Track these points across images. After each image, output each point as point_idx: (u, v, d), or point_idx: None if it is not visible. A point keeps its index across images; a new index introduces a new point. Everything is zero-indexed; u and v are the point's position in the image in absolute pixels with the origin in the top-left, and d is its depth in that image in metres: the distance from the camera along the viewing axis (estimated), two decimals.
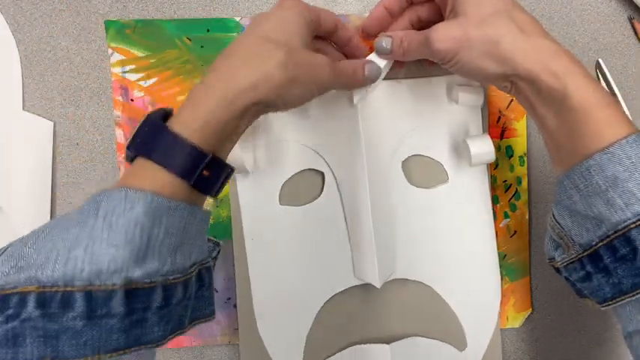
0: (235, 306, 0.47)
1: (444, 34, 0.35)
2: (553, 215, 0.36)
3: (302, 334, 0.46)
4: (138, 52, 0.46)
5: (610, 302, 0.33)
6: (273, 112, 0.35)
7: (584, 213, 0.33)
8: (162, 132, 0.30)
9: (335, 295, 0.46)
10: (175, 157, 0.29)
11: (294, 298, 0.46)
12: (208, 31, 0.46)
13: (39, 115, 0.46)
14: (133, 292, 0.27)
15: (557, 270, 0.39)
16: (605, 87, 0.49)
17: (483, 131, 0.47)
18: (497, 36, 0.33)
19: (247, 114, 0.32)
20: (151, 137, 0.30)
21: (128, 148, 0.31)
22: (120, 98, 0.46)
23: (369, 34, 0.43)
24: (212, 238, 0.39)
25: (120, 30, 0.46)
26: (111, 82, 0.46)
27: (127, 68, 0.46)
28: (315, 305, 0.46)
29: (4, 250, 0.28)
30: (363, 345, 0.46)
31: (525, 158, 0.49)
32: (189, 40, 0.46)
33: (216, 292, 0.47)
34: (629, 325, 0.33)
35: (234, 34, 0.46)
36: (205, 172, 0.30)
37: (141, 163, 0.30)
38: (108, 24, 0.46)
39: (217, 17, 0.46)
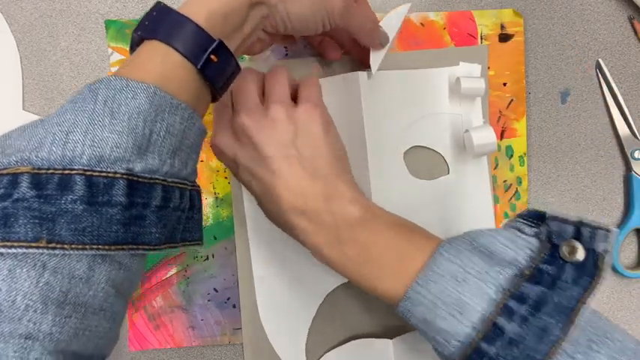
0: (235, 306, 0.47)
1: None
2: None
3: (305, 324, 0.46)
4: None
5: None
6: (280, 28, 0.35)
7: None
8: (171, 14, 0.29)
9: (338, 286, 0.46)
10: (184, 36, 0.29)
11: (297, 289, 0.46)
12: None
13: (39, 115, 0.46)
14: (134, 185, 0.26)
15: None
16: (606, 87, 0.49)
17: (484, 122, 0.47)
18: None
19: (252, 13, 0.32)
20: (160, 19, 0.30)
21: (135, 31, 0.30)
22: None
23: None
24: None
25: (120, 30, 0.46)
26: None
27: None
28: (317, 297, 0.46)
29: None
30: (366, 339, 0.46)
31: (525, 158, 0.49)
32: None
33: (216, 291, 0.47)
34: None
35: None
36: (213, 57, 0.30)
37: (147, 46, 0.29)
38: (108, 24, 0.46)
39: None
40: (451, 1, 0.48)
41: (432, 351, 0.46)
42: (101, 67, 0.46)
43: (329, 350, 0.46)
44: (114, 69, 0.46)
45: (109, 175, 0.25)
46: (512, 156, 0.48)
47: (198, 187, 0.33)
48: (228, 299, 0.47)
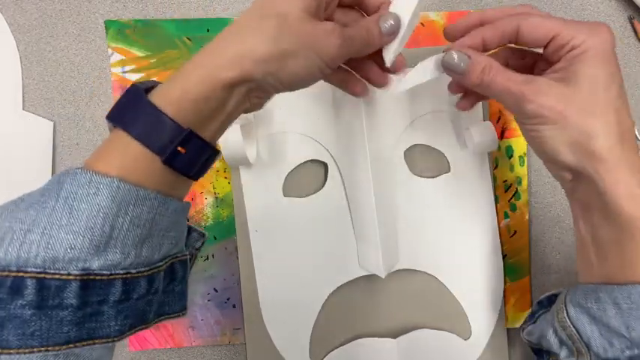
0: (235, 306, 0.47)
1: (543, 100, 0.31)
2: (567, 315, 0.34)
3: (308, 325, 0.46)
4: (138, 52, 0.46)
5: None
6: (273, 93, 0.32)
7: (616, 330, 0.32)
8: (138, 101, 0.27)
9: (340, 286, 0.47)
10: (148, 127, 0.27)
11: (299, 290, 0.46)
12: (208, 31, 0.46)
13: (39, 115, 0.46)
14: (90, 284, 0.26)
15: (537, 352, 0.39)
16: None
17: (484, 120, 0.47)
18: (595, 130, 0.30)
19: (234, 92, 0.29)
20: (127, 106, 0.28)
21: (106, 116, 0.29)
22: None
23: (450, 39, 0.36)
24: (198, 228, 0.37)
25: (120, 30, 0.46)
26: (111, 82, 0.46)
27: (127, 68, 0.46)
28: (320, 297, 0.47)
29: None
30: (369, 338, 0.46)
31: (525, 158, 0.49)
32: (189, 40, 0.46)
33: (216, 291, 0.47)
34: None
35: None
36: (180, 149, 0.28)
37: (115, 135, 0.28)
38: (108, 24, 0.46)
39: (217, 17, 0.46)
40: (451, 1, 0.48)
41: (435, 350, 0.47)
42: (101, 67, 0.46)
43: (332, 350, 0.46)
44: (114, 69, 0.46)
45: (62, 277, 0.25)
46: (512, 156, 0.48)
47: (185, 256, 0.32)
48: (228, 299, 0.47)
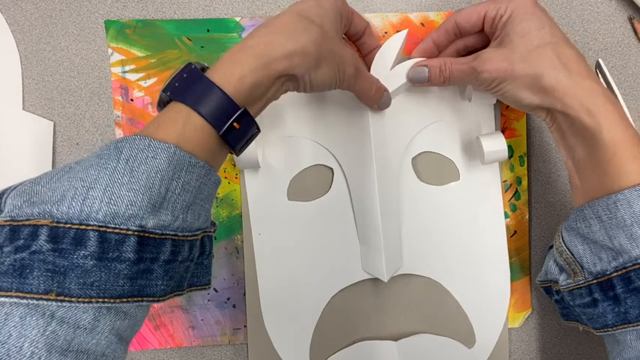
0: (235, 306, 0.47)
1: (490, 66, 0.37)
2: (563, 240, 0.38)
3: (308, 328, 0.46)
4: (138, 52, 0.46)
5: (609, 329, 0.35)
6: (299, 90, 0.36)
7: (602, 243, 0.34)
8: (201, 80, 0.31)
9: (342, 290, 0.46)
10: (210, 103, 0.30)
11: (301, 293, 0.46)
12: (208, 31, 0.46)
13: (39, 115, 0.46)
14: (145, 241, 0.28)
15: (547, 291, 0.41)
16: (605, 87, 0.49)
17: (495, 129, 0.47)
18: (540, 70, 0.36)
19: (277, 82, 0.33)
20: (189, 83, 0.31)
21: (164, 91, 0.31)
22: (120, 98, 0.46)
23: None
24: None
25: (120, 30, 0.46)
26: (111, 82, 0.46)
27: (127, 68, 0.46)
28: (322, 300, 0.46)
29: (15, 187, 0.28)
30: (370, 341, 0.46)
31: (525, 158, 0.49)
32: (190, 40, 0.46)
33: (216, 291, 0.47)
34: (628, 351, 0.34)
35: (234, 34, 0.46)
36: (236, 125, 0.31)
37: (174, 108, 0.30)
38: (108, 24, 0.46)
39: (217, 17, 0.47)
40: (451, 1, 0.48)
41: (437, 356, 0.47)
42: (101, 67, 0.46)
43: (333, 353, 0.46)
44: (114, 69, 0.46)
45: (122, 231, 0.27)
46: (512, 156, 0.48)
47: (212, 230, 0.34)
48: (228, 299, 0.47)
